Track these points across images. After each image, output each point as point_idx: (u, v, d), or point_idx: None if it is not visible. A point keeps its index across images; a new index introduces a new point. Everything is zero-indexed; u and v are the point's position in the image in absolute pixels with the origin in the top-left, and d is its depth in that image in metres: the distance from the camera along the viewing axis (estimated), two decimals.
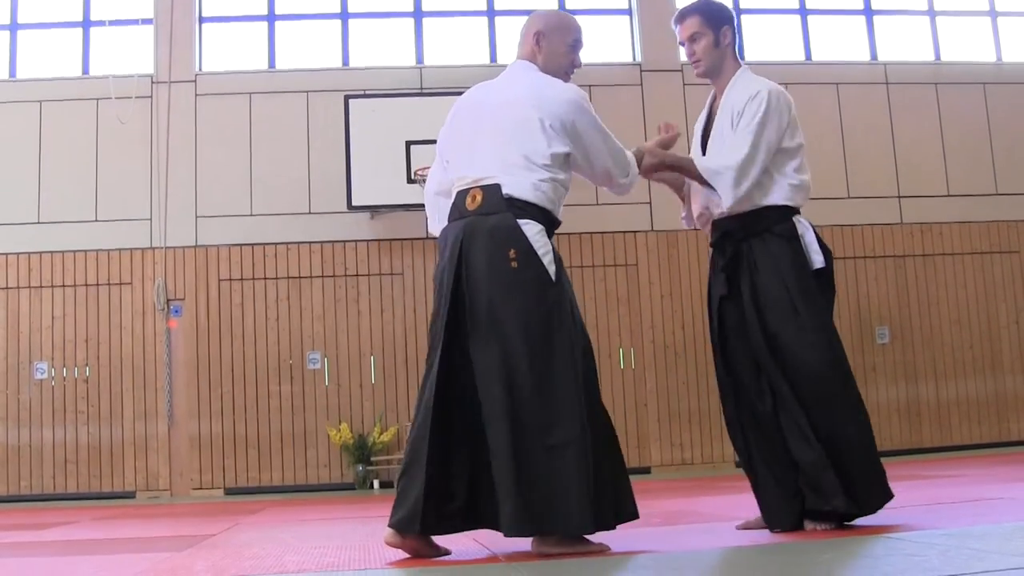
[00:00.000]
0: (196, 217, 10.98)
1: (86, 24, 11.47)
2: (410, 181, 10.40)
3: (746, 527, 3.88)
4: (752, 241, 3.81)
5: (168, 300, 10.81)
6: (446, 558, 3.42)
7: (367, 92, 11.09)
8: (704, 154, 3.95)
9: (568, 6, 11.76)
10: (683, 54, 4.05)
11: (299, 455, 10.71)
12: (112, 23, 11.19)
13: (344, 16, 11.77)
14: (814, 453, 3.56)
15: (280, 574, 3.32)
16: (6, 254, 10.75)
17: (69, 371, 10.66)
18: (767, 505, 3.76)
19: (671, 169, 3.96)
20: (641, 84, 11.65)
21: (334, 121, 10.92)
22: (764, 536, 3.62)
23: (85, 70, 11.39)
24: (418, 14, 11.86)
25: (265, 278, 10.96)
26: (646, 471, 10.85)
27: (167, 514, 7.62)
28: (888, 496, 3.63)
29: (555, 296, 3.40)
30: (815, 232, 3.85)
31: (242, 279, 10.94)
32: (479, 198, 3.47)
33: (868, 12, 12.47)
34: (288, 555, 3.90)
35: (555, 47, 3.69)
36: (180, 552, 4.17)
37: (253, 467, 10.65)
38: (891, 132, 11.96)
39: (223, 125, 11.17)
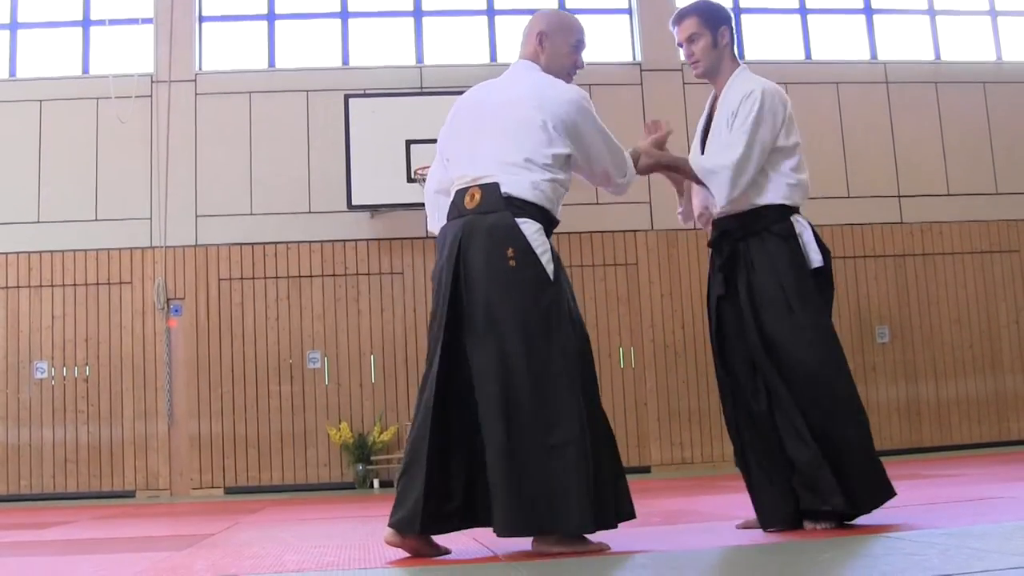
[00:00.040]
0: (196, 216, 10.98)
1: (86, 23, 11.47)
2: (410, 180, 10.39)
3: (746, 526, 3.88)
4: (750, 240, 3.81)
5: (168, 299, 10.81)
6: (446, 557, 3.42)
7: (367, 91, 11.09)
8: (704, 154, 3.95)
9: (568, 5, 11.76)
10: (682, 54, 4.05)
11: (299, 454, 10.71)
12: (112, 22, 11.19)
13: (344, 15, 11.77)
14: (810, 452, 3.56)
15: (280, 573, 3.32)
16: (6, 253, 10.75)
17: (69, 370, 10.66)
18: (761, 504, 3.76)
19: (667, 169, 3.97)
20: (641, 83, 11.65)
21: (334, 120, 10.92)
22: (763, 536, 3.62)
23: (85, 69, 11.39)
24: (418, 13, 11.85)
25: (265, 277, 10.97)
26: (646, 470, 10.86)
27: (167, 513, 7.62)
28: (889, 494, 3.63)
29: (553, 295, 3.40)
30: (814, 231, 3.85)
31: (242, 278, 10.94)
32: (478, 197, 3.47)
33: (868, 11, 12.47)
34: (288, 554, 3.90)
35: (558, 47, 3.69)
36: (180, 551, 4.17)
37: (253, 466, 10.65)
38: (891, 131, 11.97)
39: (223, 124, 11.17)
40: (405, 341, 10.93)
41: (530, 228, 3.42)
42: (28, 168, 10.92)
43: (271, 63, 11.59)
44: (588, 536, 3.31)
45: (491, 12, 11.93)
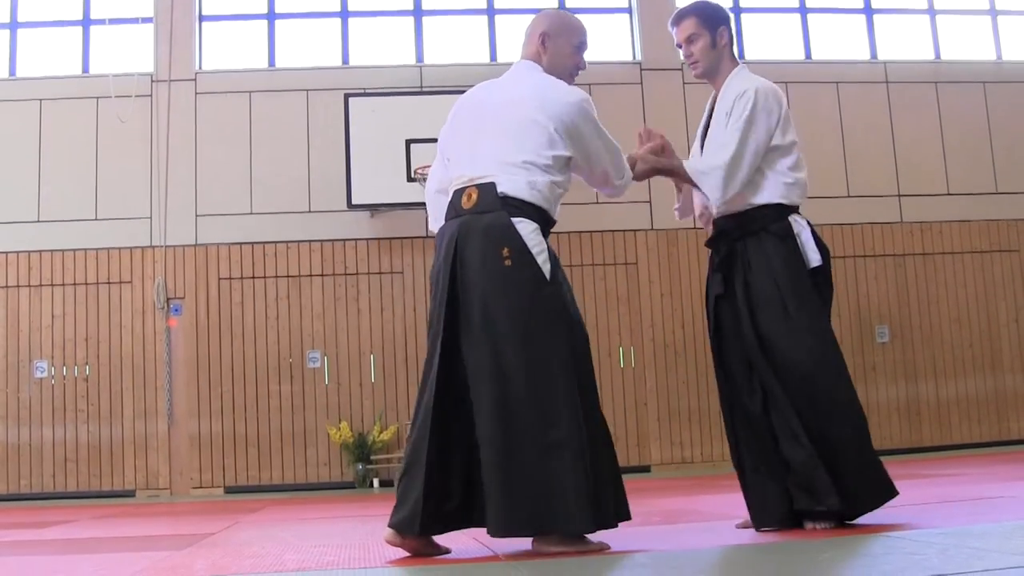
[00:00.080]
0: (196, 216, 10.98)
1: (86, 23, 11.47)
2: (410, 180, 10.40)
3: (745, 526, 3.88)
4: (747, 240, 3.81)
5: (168, 299, 10.82)
6: (446, 557, 3.42)
7: (367, 91, 11.09)
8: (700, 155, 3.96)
9: (568, 5, 11.76)
10: (681, 55, 4.05)
11: (299, 454, 10.71)
12: (112, 22, 11.19)
13: (344, 15, 11.77)
14: (805, 453, 3.56)
15: (280, 573, 3.32)
16: (6, 253, 10.75)
17: (69, 370, 10.66)
18: (754, 504, 3.76)
19: (663, 174, 3.96)
20: (641, 83, 11.66)
21: (334, 120, 10.92)
22: (763, 535, 3.62)
23: (85, 69, 11.39)
24: (418, 13, 11.85)
25: (265, 277, 10.97)
26: (646, 470, 10.86)
27: (167, 513, 7.62)
28: (890, 494, 3.62)
29: (549, 295, 3.39)
30: (813, 230, 3.84)
31: (242, 278, 10.94)
32: (475, 197, 3.47)
33: (868, 11, 12.47)
34: (288, 554, 3.90)
35: (560, 48, 3.69)
36: (180, 551, 4.17)
37: (253, 466, 10.65)
38: (891, 131, 11.97)
39: (223, 124, 11.17)
40: (405, 340, 10.93)
41: (526, 228, 3.41)
42: (28, 167, 10.92)
43: (271, 62, 11.59)
44: (588, 535, 3.31)
45: (491, 11, 11.93)
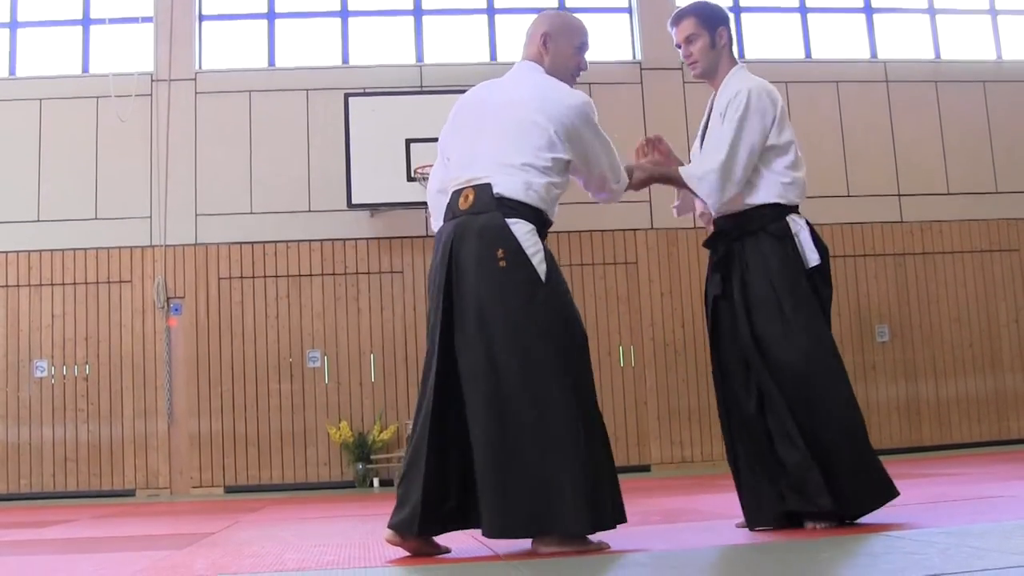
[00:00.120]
0: (196, 215, 10.98)
1: (86, 22, 11.47)
2: (410, 179, 10.40)
3: (744, 525, 3.88)
4: (745, 240, 3.81)
5: (168, 298, 10.82)
6: (446, 556, 3.42)
7: (367, 90, 11.09)
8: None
9: (568, 4, 11.76)
10: (681, 55, 4.05)
11: (299, 453, 10.71)
12: (112, 21, 11.19)
13: (344, 14, 11.77)
14: (799, 454, 3.56)
15: (280, 572, 3.32)
16: (6, 252, 10.75)
17: (69, 369, 10.66)
18: (748, 504, 3.76)
19: (661, 182, 3.96)
20: (641, 82, 11.65)
21: (334, 119, 10.92)
22: (763, 535, 3.62)
23: (85, 68, 11.39)
24: (418, 12, 11.85)
25: (265, 276, 10.97)
26: (646, 469, 10.86)
27: (167, 512, 7.62)
28: (889, 495, 3.62)
29: (544, 296, 3.38)
30: (812, 229, 3.84)
31: (242, 277, 10.94)
32: (471, 198, 3.47)
33: (868, 10, 12.47)
34: (288, 553, 3.90)
35: (562, 49, 3.69)
36: (180, 550, 4.17)
37: (253, 465, 10.65)
38: (891, 130, 11.97)
39: (223, 123, 11.17)
40: (405, 340, 10.93)
41: (521, 229, 3.40)
42: (28, 167, 10.92)
43: (271, 62, 11.59)
44: (587, 535, 3.31)
45: (491, 11, 11.93)
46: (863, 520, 3.61)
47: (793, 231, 3.79)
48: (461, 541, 3.59)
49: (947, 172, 12.00)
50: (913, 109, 12.04)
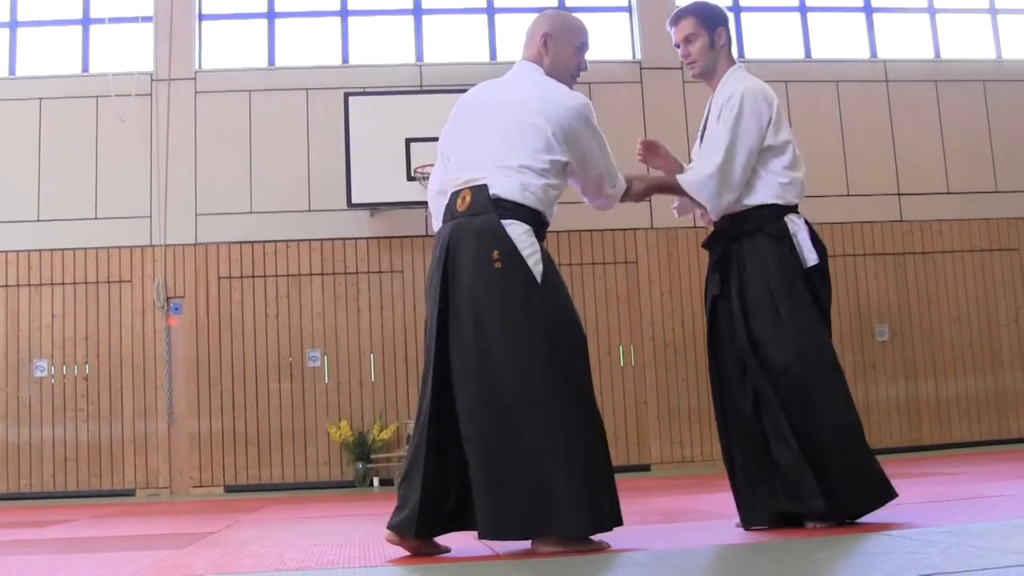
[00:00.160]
0: (196, 215, 10.98)
1: (86, 22, 11.47)
2: (410, 179, 10.40)
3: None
4: (743, 241, 3.81)
5: (168, 298, 10.82)
6: (446, 556, 3.42)
7: (367, 90, 11.09)
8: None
9: (568, 4, 11.76)
10: (679, 54, 4.04)
11: (299, 453, 10.71)
12: (112, 20, 11.19)
13: (344, 13, 11.77)
14: (792, 455, 3.56)
15: (280, 572, 3.32)
16: (6, 252, 10.75)
17: (69, 369, 10.66)
18: (743, 504, 3.77)
19: (661, 192, 3.95)
20: (641, 82, 11.65)
21: (334, 119, 10.92)
22: (763, 534, 3.62)
23: (85, 67, 11.39)
24: (418, 11, 11.85)
25: (265, 276, 10.97)
26: (646, 468, 10.87)
27: (167, 512, 7.62)
28: (886, 496, 3.61)
29: (541, 297, 3.37)
30: (810, 229, 3.83)
31: (242, 277, 10.94)
32: (468, 199, 3.47)
33: (868, 9, 12.47)
34: (288, 553, 3.90)
35: (562, 49, 3.68)
36: (180, 550, 4.17)
37: (253, 465, 10.65)
38: (891, 130, 11.97)
39: (223, 123, 11.17)
40: (405, 339, 10.93)
41: (517, 230, 3.40)
42: (28, 166, 10.92)
43: (271, 61, 11.59)
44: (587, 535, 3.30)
45: (491, 10, 11.93)
46: (863, 520, 3.61)
47: (791, 231, 3.78)
48: (461, 541, 3.59)
49: (947, 171, 12.00)
50: (913, 109, 12.04)
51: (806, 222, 3.84)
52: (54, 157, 10.97)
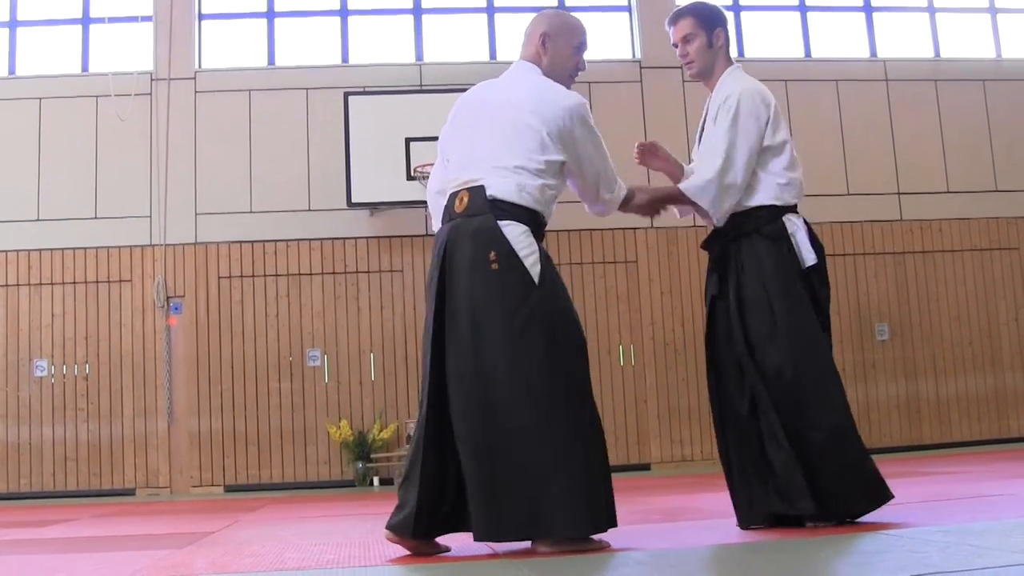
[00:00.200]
0: (196, 214, 10.98)
1: (86, 21, 11.47)
2: (410, 178, 10.40)
3: None
4: (741, 241, 3.80)
5: (168, 297, 10.82)
6: (446, 555, 3.43)
7: (367, 89, 11.09)
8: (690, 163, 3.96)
9: (568, 3, 11.76)
10: (677, 54, 4.03)
11: (299, 452, 10.71)
12: (112, 20, 11.19)
13: (344, 13, 11.77)
14: (784, 456, 3.56)
15: (280, 571, 3.32)
16: (6, 251, 10.75)
17: (69, 368, 10.66)
18: (739, 503, 3.77)
19: (664, 203, 3.92)
20: (641, 81, 11.65)
21: (333, 118, 10.92)
22: (764, 533, 3.62)
23: (85, 67, 11.38)
24: (418, 11, 11.85)
25: (265, 275, 10.97)
26: (646, 467, 10.87)
27: (167, 511, 7.62)
28: (880, 499, 3.61)
29: (538, 298, 3.37)
30: (809, 229, 3.83)
31: (242, 276, 10.94)
32: (466, 200, 3.47)
33: (868, 9, 12.47)
34: (288, 552, 3.90)
35: (560, 49, 3.68)
36: (180, 549, 4.17)
37: (253, 464, 10.65)
38: (891, 129, 11.97)
39: (223, 122, 11.17)
40: (405, 339, 10.93)
41: (514, 231, 3.40)
42: (28, 166, 10.92)
43: (271, 61, 11.59)
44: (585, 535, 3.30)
45: (491, 10, 11.93)
46: (863, 519, 3.61)
47: (789, 231, 3.77)
48: (461, 540, 3.59)
49: (947, 171, 12.00)
50: (913, 108, 12.04)
51: (805, 222, 3.84)
52: (54, 157, 10.97)
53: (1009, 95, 12.24)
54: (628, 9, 12.04)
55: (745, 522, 3.73)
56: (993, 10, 12.68)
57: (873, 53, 12.31)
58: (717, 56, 3.94)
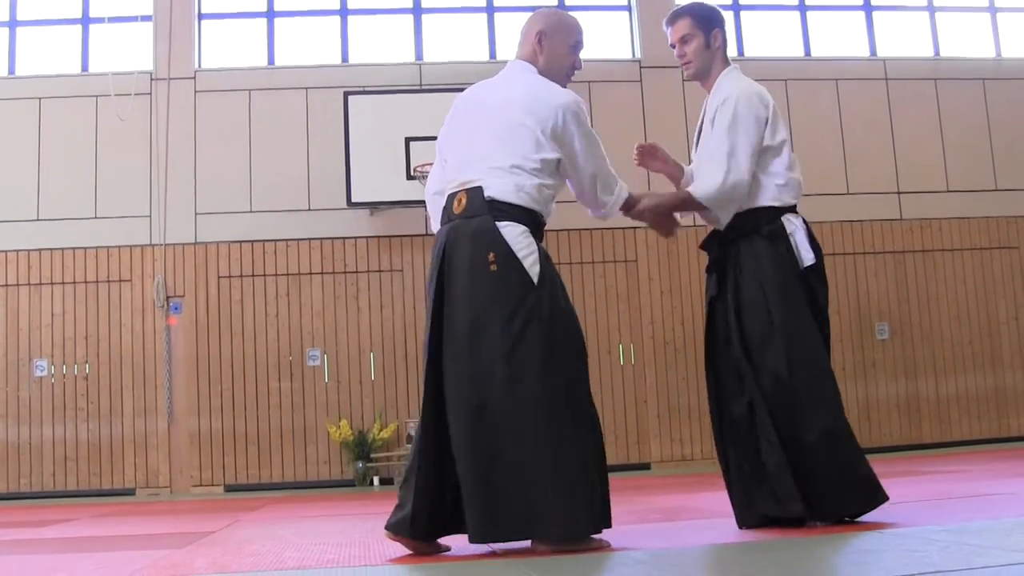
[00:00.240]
0: (195, 214, 10.98)
1: (85, 21, 11.47)
2: (409, 177, 10.40)
3: None
4: (740, 242, 3.80)
5: (168, 297, 10.82)
6: (446, 555, 3.43)
7: (366, 88, 11.09)
8: (690, 165, 3.95)
9: (568, 3, 11.75)
10: (675, 55, 4.03)
11: (299, 452, 10.72)
12: (111, 20, 11.19)
13: (343, 12, 11.77)
14: (777, 458, 3.56)
15: (280, 571, 3.32)
16: (6, 251, 10.75)
17: (69, 368, 10.66)
18: (737, 503, 3.77)
19: (673, 209, 3.87)
20: (640, 80, 11.64)
21: (333, 117, 10.92)
22: (763, 533, 3.62)
23: (84, 67, 11.38)
24: (417, 10, 11.85)
25: (265, 275, 10.97)
26: (646, 467, 10.87)
27: (167, 511, 7.62)
28: (874, 500, 3.60)
29: (537, 298, 3.36)
30: (808, 228, 3.82)
31: (242, 276, 10.94)
32: (464, 201, 3.47)
33: (867, 8, 12.47)
34: (288, 552, 3.90)
35: (557, 48, 3.67)
36: (180, 549, 4.17)
37: (253, 464, 10.65)
38: (891, 128, 11.97)
39: (222, 122, 11.17)
40: (405, 338, 10.93)
41: (513, 231, 3.39)
42: (27, 166, 10.92)
43: (271, 60, 11.59)
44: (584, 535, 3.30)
45: (490, 9, 11.93)
46: (863, 518, 3.61)
47: (788, 231, 3.77)
48: (461, 539, 3.59)
49: (947, 170, 12.00)
50: (913, 106, 12.04)
51: (804, 222, 3.83)
52: (54, 156, 10.97)
53: (1009, 94, 12.24)
54: (628, 8, 12.04)
55: (744, 522, 3.73)
56: (993, 9, 12.68)
57: (873, 52, 12.31)
58: (715, 57, 3.93)
